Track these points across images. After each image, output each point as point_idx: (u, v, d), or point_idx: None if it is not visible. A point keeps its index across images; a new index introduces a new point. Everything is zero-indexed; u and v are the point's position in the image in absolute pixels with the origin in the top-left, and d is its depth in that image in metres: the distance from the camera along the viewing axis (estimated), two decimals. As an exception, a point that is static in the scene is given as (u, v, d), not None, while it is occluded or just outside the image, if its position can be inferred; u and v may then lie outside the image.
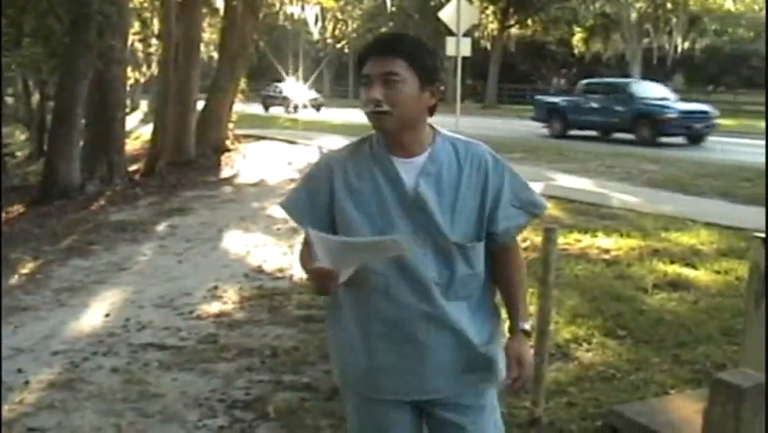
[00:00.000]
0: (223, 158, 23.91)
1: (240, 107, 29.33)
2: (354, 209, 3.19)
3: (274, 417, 5.89)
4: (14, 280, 10.85)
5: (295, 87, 54.80)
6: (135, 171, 22.75)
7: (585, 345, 7.00)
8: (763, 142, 21.68)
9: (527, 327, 3.34)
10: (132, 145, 27.40)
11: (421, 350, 3.21)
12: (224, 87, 25.73)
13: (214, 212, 15.47)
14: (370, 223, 3.16)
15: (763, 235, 4.19)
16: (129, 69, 29.17)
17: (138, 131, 34.72)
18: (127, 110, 28.70)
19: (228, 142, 26.01)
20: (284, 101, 52.60)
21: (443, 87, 3.48)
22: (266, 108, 54.26)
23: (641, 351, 6.95)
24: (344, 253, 2.99)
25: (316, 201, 3.27)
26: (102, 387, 6.56)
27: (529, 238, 10.14)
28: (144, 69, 47.73)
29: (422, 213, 3.14)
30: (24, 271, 11.33)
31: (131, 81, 37.07)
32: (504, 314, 3.43)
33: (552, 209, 12.56)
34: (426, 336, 3.18)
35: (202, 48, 28.13)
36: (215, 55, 39.76)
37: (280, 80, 55.63)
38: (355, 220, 3.18)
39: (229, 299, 9.24)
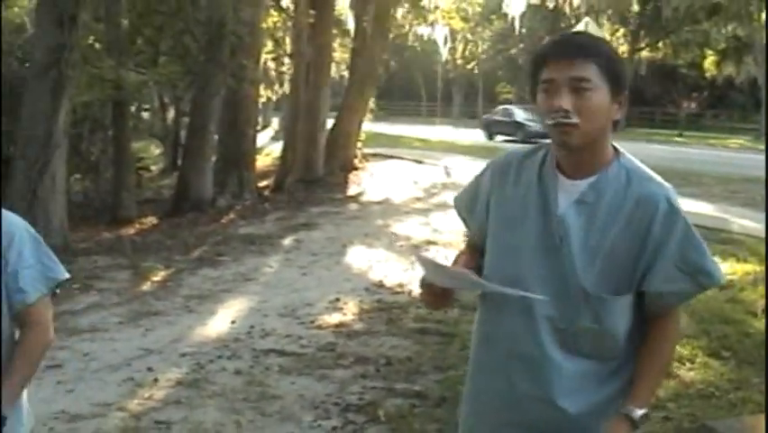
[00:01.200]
0: (350, 176, 24.27)
1: (368, 126, 29.70)
2: (498, 214, 2.91)
3: (384, 420, 6.17)
4: (146, 286, 11.35)
5: (528, 112, 41.64)
6: (265, 187, 23.25)
7: (688, 364, 7.09)
8: None
9: (637, 414, 2.68)
10: (262, 162, 27.97)
11: (512, 391, 2.84)
12: (353, 106, 26.09)
13: (339, 228, 15.82)
14: (505, 231, 2.86)
15: None
16: (261, 87, 29.75)
17: (269, 148, 35.30)
18: (259, 127, 29.31)
19: (356, 161, 26.38)
20: (517, 128, 41.26)
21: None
22: (490, 137, 44.32)
23: (743, 372, 7.03)
24: (442, 274, 2.84)
25: (478, 198, 3.00)
26: (225, 387, 6.94)
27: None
28: (276, 87, 48.40)
29: (560, 244, 2.73)
30: (156, 278, 11.82)
31: (263, 99, 37.78)
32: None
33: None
34: (520, 379, 2.79)
35: (333, 67, 28.59)
36: (346, 74, 40.21)
37: (509, 102, 51.25)
38: (495, 225, 2.91)
39: (349, 311, 9.56)
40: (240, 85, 20.20)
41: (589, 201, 2.71)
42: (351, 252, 13.43)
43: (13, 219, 3.18)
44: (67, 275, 3.28)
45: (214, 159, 20.41)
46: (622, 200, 2.69)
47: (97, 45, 20.39)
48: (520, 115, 42.69)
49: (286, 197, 21.09)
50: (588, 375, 2.76)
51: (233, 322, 9.22)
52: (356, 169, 25.62)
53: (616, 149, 2.79)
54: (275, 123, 51.46)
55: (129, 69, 19.51)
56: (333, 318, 9.23)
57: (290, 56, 34.38)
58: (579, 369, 2.75)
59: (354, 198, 20.24)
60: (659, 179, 2.78)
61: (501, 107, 47.66)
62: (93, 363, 7.73)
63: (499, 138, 42.90)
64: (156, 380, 7.17)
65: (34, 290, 3.14)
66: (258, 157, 25.30)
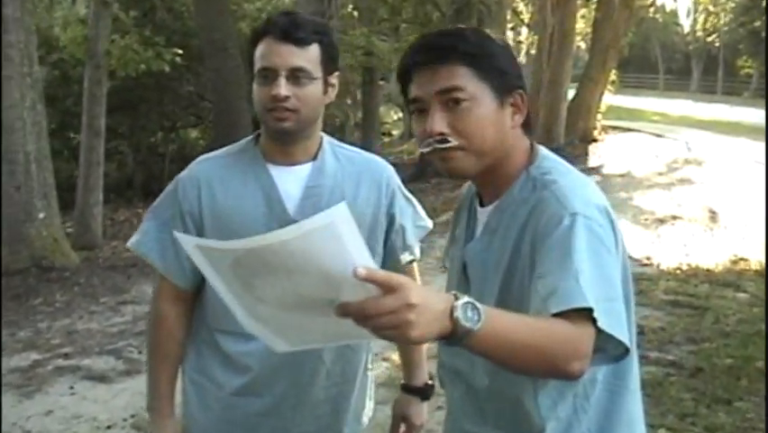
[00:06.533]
0: (590, 147, 24.28)
1: (608, 98, 29.51)
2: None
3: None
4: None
5: None
6: (505, 156, 23.50)
7: None
8: None
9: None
10: (500, 131, 28.24)
11: None
12: (594, 78, 26.08)
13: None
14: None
15: None
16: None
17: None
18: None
19: (596, 133, 26.39)
20: None
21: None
22: None
23: None
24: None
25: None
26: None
27: None
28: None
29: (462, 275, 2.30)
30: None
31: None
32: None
33: None
34: None
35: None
36: (582, 45, 39.97)
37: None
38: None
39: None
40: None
41: (492, 227, 2.12)
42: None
43: None
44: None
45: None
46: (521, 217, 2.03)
47: (352, 13, 20.96)
48: None
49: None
50: None
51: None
52: (595, 140, 25.65)
53: (533, 152, 2.13)
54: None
55: (377, 36, 20.00)
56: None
57: (528, 26, 34.56)
58: None
59: (595, 170, 20.21)
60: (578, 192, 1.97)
61: None
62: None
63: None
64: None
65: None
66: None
